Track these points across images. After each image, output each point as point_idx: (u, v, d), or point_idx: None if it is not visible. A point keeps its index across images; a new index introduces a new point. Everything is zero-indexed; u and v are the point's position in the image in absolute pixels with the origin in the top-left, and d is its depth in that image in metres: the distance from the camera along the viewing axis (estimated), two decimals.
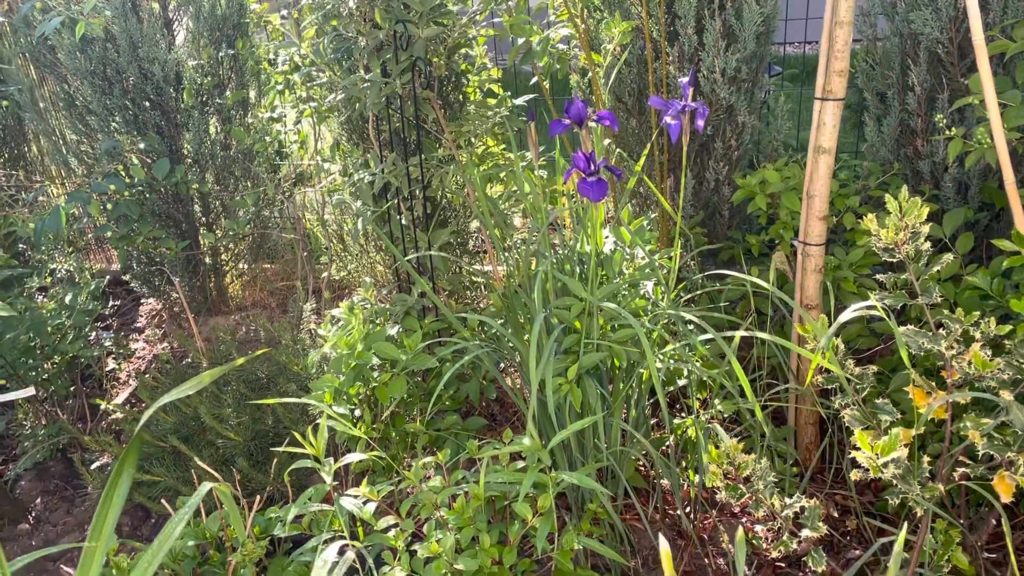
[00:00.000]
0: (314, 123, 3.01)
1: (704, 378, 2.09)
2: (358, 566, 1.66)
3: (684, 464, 2.14)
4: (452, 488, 1.60)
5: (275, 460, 2.19)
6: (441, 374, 2.16)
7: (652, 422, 2.27)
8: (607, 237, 2.09)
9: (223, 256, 3.35)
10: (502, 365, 2.48)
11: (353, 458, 1.70)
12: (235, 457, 2.21)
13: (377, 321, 2.42)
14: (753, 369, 2.20)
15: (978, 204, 2.23)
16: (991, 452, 1.44)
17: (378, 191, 2.38)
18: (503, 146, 2.63)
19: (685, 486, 2.13)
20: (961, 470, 1.52)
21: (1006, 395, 1.46)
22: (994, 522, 1.77)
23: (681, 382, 2.14)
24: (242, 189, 3.17)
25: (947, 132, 2.02)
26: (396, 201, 2.43)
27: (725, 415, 2.14)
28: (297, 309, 2.79)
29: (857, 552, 1.92)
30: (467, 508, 1.51)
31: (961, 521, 1.77)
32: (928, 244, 1.61)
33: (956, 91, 2.17)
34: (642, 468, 2.18)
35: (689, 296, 2.36)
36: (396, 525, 1.60)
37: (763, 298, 2.25)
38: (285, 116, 2.95)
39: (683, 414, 2.40)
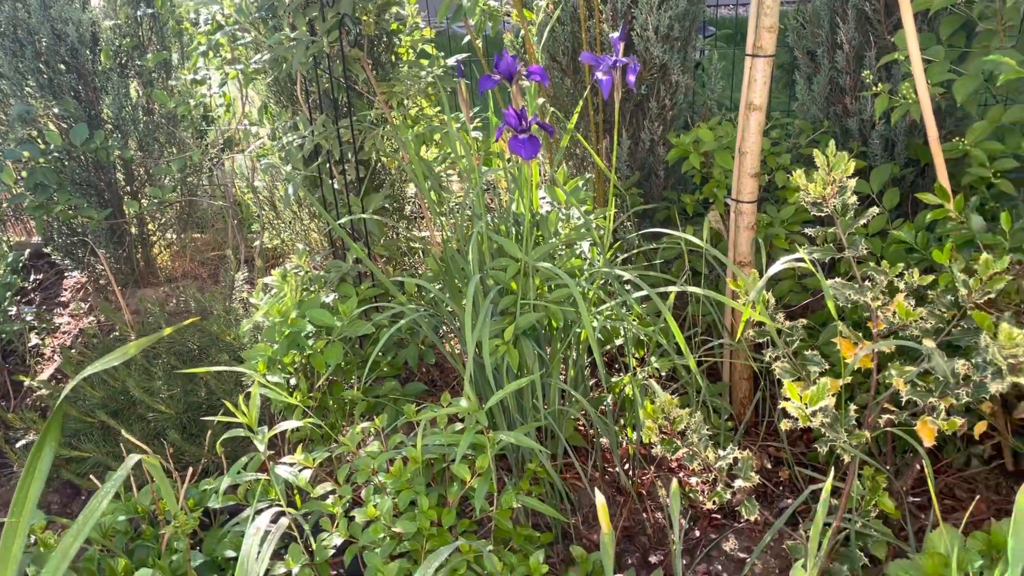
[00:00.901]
0: (240, 85, 2.91)
1: (641, 336, 2.11)
2: (296, 534, 1.64)
3: (622, 422, 2.16)
4: (390, 452, 1.59)
5: (209, 432, 2.14)
6: (379, 340, 2.13)
7: (591, 381, 2.28)
8: (543, 198, 2.08)
9: (150, 225, 3.23)
10: (442, 330, 2.47)
11: (287, 425, 1.67)
12: (167, 430, 2.15)
13: (311, 288, 2.37)
14: (688, 326, 2.23)
15: (904, 160, 2.28)
16: (914, 399, 1.49)
17: (308, 155, 2.32)
18: (438, 108, 2.58)
19: (624, 443, 2.16)
20: (886, 417, 1.57)
21: (929, 343, 1.50)
22: (918, 467, 1.84)
23: (618, 341, 2.16)
24: (167, 155, 3.05)
25: (874, 88, 2.05)
26: (328, 165, 2.37)
27: (662, 372, 2.16)
28: (229, 279, 2.72)
29: (789, 500, 1.98)
30: (405, 471, 1.50)
31: (887, 467, 1.83)
32: (855, 198, 1.64)
33: (883, 48, 2.20)
34: (581, 427, 2.20)
35: (625, 256, 2.37)
36: (334, 491, 1.58)
37: (698, 256, 2.27)
38: (210, 79, 2.84)
39: (621, 372, 2.42)
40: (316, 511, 1.63)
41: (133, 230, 3.14)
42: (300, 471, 1.57)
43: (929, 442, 1.47)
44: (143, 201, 3.05)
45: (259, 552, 1.21)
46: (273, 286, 2.11)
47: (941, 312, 1.62)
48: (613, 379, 2.12)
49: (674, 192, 2.62)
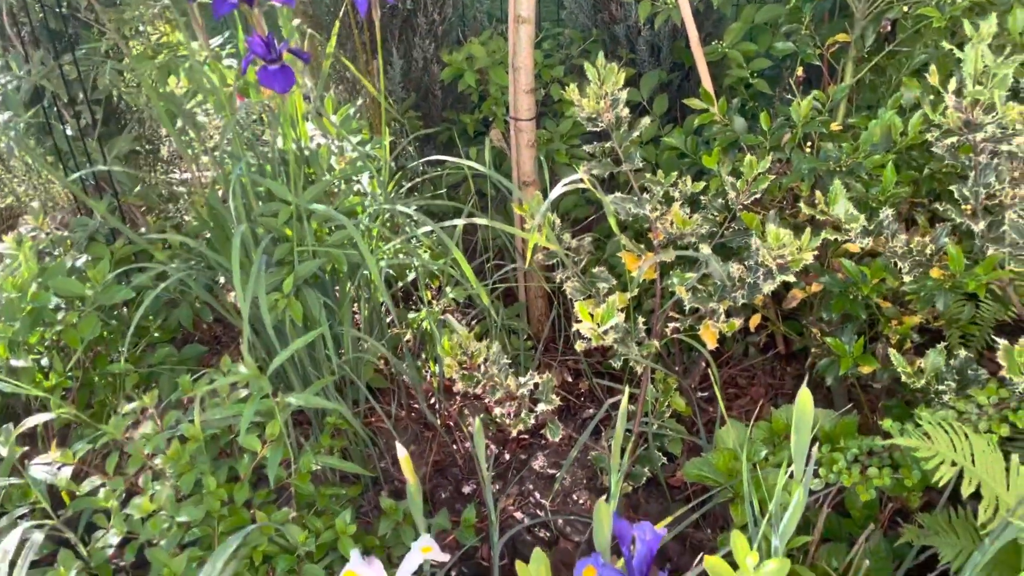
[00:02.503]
0: None
1: (433, 269, 2.04)
2: (72, 537, 1.46)
3: (424, 356, 2.11)
4: (167, 432, 1.43)
5: None
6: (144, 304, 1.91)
7: (388, 320, 2.20)
8: (312, 130, 1.92)
9: None
10: (221, 281, 2.26)
11: (38, 420, 1.45)
12: None
13: (57, 252, 2.08)
14: (481, 251, 2.19)
15: (670, 65, 2.32)
16: (696, 305, 1.54)
17: (28, 98, 1.99)
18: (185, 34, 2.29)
19: (428, 377, 2.11)
20: (672, 325, 1.61)
21: (705, 249, 1.54)
22: (703, 365, 1.94)
23: (411, 276, 2.08)
24: None
25: None
26: (55, 108, 2.05)
27: (460, 301, 2.12)
28: None
29: (591, 411, 2.03)
30: (183, 452, 1.35)
31: (676, 368, 1.91)
32: (627, 110, 1.63)
33: None
34: (383, 369, 2.12)
35: (411, 185, 2.27)
36: (104, 485, 1.41)
37: (484, 178, 2.21)
38: None
39: (419, 306, 2.36)
40: (88, 508, 1.45)
41: None
42: (59, 469, 1.38)
43: (712, 344, 1.53)
44: None
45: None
46: (7, 254, 1.82)
47: (714, 216, 1.68)
48: (412, 315, 2.04)
49: (454, 112, 2.53)
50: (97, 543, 1.36)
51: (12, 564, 1.19)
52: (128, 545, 1.36)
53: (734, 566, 1.02)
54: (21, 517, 1.40)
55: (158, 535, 1.30)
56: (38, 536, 1.20)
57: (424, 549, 1.09)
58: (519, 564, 1.00)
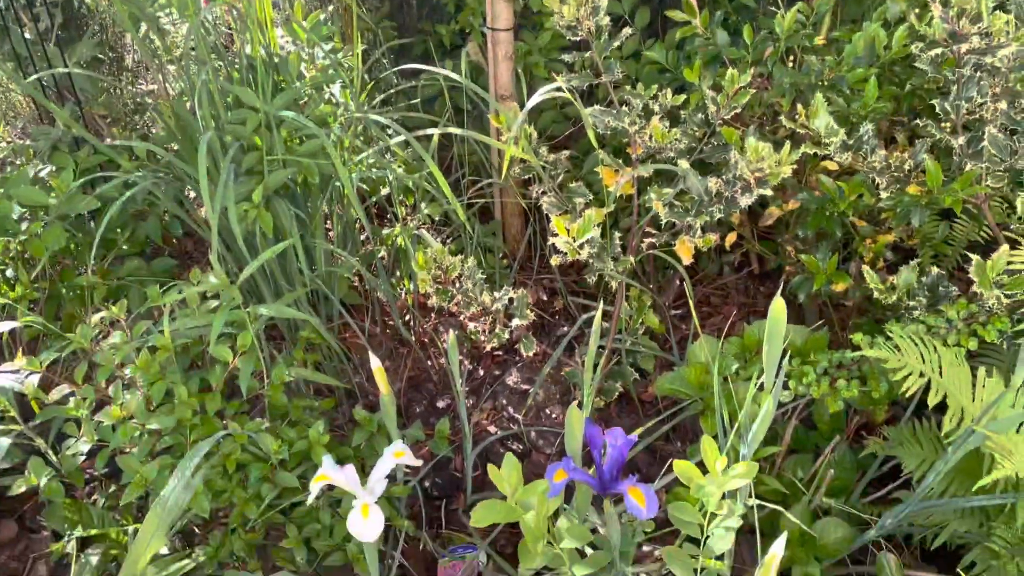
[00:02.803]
0: None
1: (408, 183, 2.01)
2: (42, 444, 1.45)
3: (399, 273, 2.09)
4: (136, 342, 1.41)
5: None
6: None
7: (362, 236, 2.17)
8: (282, 37, 1.85)
9: None
10: (192, 196, 2.21)
11: (5, 327, 1.43)
12: None
13: (19, 161, 2.02)
14: (456, 167, 2.15)
15: None
16: (673, 220, 1.52)
17: None
18: None
19: (403, 294, 2.10)
20: (648, 241, 1.60)
21: (684, 164, 1.52)
22: (678, 282, 1.94)
23: (385, 190, 2.04)
24: None
25: None
26: (12, 10, 1.95)
27: (434, 218, 2.09)
28: None
29: (565, 329, 2.03)
30: (153, 362, 1.33)
31: (651, 286, 1.92)
32: (608, 19, 1.58)
33: None
34: (357, 286, 2.11)
35: (384, 96, 2.22)
36: (73, 394, 1.39)
37: (460, 92, 2.16)
38: None
39: (393, 222, 2.33)
40: (59, 416, 1.44)
41: None
42: (27, 377, 1.36)
43: (687, 260, 1.53)
44: None
45: None
46: None
47: (693, 131, 1.65)
48: (384, 231, 2.02)
49: (429, 23, 2.45)
50: (68, 451, 1.35)
51: None
52: (99, 454, 1.36)
53: (704, 474, 1.03)
54: None
55: (128, 443, 1.29)
56: (5, 441, 1.18)
57: (397, 454, 1.09)
58: (491, 468, 1.01)
